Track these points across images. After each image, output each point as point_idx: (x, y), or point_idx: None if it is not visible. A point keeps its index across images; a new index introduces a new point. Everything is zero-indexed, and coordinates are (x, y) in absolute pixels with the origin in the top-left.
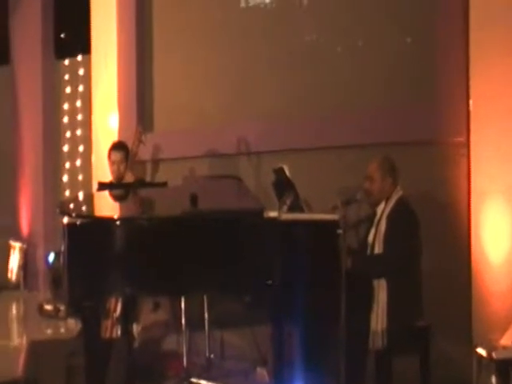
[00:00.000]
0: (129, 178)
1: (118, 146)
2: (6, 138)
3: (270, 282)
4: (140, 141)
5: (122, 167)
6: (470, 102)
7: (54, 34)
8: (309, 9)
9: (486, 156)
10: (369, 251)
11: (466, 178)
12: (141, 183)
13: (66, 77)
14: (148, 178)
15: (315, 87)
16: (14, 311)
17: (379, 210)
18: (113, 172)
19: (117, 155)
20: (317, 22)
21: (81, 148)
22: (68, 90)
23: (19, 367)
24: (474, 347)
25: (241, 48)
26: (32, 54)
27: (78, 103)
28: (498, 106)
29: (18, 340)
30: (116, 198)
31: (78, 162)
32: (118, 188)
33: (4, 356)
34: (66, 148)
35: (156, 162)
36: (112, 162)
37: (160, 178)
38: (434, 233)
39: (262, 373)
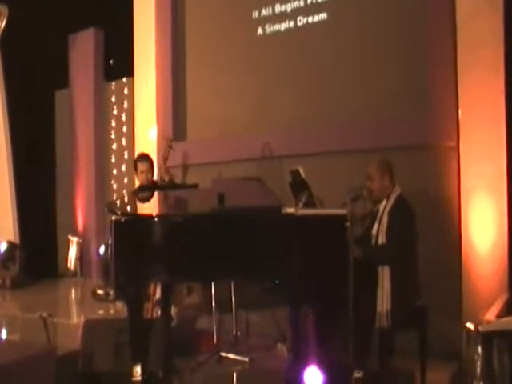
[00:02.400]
0: (166, 179)
1: (143, 158)
2: (66, 151)
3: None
4: (170, 147)
5: (149, 175)
6: (459, 111)
7: (104, 60)
8: (319, 34)
9: (473, 158)
10: (373, 242)
11: (456, 177)
12: (175, 185)
13: (113, 98)
14: (182, 181)
15: (326, 101)
16: (73, 295)
17: (381, 206)
18: (141, 181)
19: (144, 165)
20: (327, 45)
21: (126, 155)
22: (115, 109)
23: (77, 341)
24: (463, 322)
25: (262, 67)
26: (86, 78)
27: (123, 117)
28: (484, 113)
29: (76, 319)
30: (142, 200)
31: (124, 168)
32: (157, 189)
33: (65, 332)
34: (113, 159)
35: (189, 167)
36: (140, 172)
37: (193, 180)
38: (429, 225)
39: (281, 348)
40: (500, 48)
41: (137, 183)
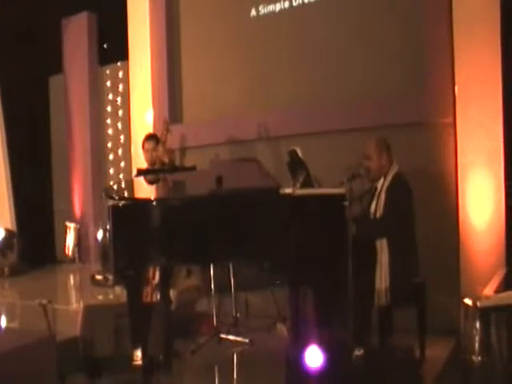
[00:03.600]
0: (166, 160)
1: (150, 137)
2: (61, 137)
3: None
4: (167, 130)
5: (154, 154)
6: (456, 87)
7: (97, 44)
8: (315, 14)
9: (470, 134)
10: None
11: (453, 154)
12: (173, 168)
13: (108, 83)
14: (179, 163)
15: (322, 80)
16: (71, 281)
17: (379, 184)
18: (147, 159)
19: (150, 144)
20: (323, 25)
21: (122, 139)
22: (110, 94)
23: (77, 327)
24: (461, 298)
25: (257, 48)
26: (80, 62)
27: (119, 101)
28: (480, 90)
29: (76, 305)
30: (149, 181)
31: (120, 152)
32: (153, 173)
33: (65, 318)
34: (109, 144)
35: (185, 149)
36: (146, 151)
37: (190, 162)
38: (427, 201)
39: (281, 328)
40: (496, 24)
41: (134, 167)
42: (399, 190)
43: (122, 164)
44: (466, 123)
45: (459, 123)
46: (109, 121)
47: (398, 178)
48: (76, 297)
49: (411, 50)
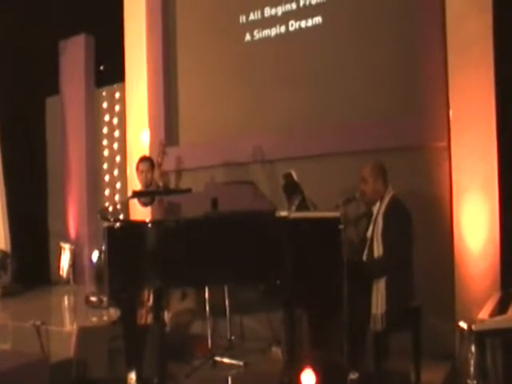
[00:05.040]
0: (160, 184)
1: (144, 159)
2: (57, 158)
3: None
4: (164, 152)
5: (148, 175)
6: (450, 112)
7: (94, 66)
8: (311, 38)
9: (464, 158)
10: (368, 245)
11: (448, 177)
12: (168, 190)
13: (105, 105)
14: (174, 185)
15: (317, 104)
16: (66, 302)
17: (375, 208)
18: (141, 180)
19: (144, 165)
20: (318, 49)
21: (117, 159)
22: (106, 115)
23: (71, 349)
24: (456, 322)
25: (252, 72)
26: (77, 84)
27: (115, 121)
28: (474, 114)
29: (70, 326)
30: (143, 203)
31: (116, 173)
32: (148, 195)
33: (59, 339)
34: (105, 165)
35: (181, 172)
36: (140, 172)
37: (185, 185)
38: (421, 225)
39: (276, 351)
40: (489, 48)
41: (130, 188)
42: (396, 214)
43: (118, 185)
44: (460, 147)
45: (454, 147)
46: (105, 142)
47: (394, 203)
48: (70, 318)
49: (407, 74)
